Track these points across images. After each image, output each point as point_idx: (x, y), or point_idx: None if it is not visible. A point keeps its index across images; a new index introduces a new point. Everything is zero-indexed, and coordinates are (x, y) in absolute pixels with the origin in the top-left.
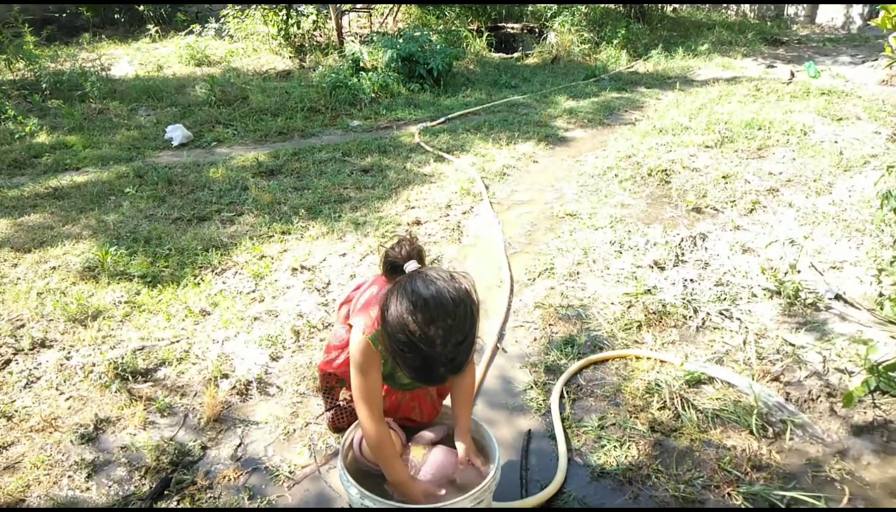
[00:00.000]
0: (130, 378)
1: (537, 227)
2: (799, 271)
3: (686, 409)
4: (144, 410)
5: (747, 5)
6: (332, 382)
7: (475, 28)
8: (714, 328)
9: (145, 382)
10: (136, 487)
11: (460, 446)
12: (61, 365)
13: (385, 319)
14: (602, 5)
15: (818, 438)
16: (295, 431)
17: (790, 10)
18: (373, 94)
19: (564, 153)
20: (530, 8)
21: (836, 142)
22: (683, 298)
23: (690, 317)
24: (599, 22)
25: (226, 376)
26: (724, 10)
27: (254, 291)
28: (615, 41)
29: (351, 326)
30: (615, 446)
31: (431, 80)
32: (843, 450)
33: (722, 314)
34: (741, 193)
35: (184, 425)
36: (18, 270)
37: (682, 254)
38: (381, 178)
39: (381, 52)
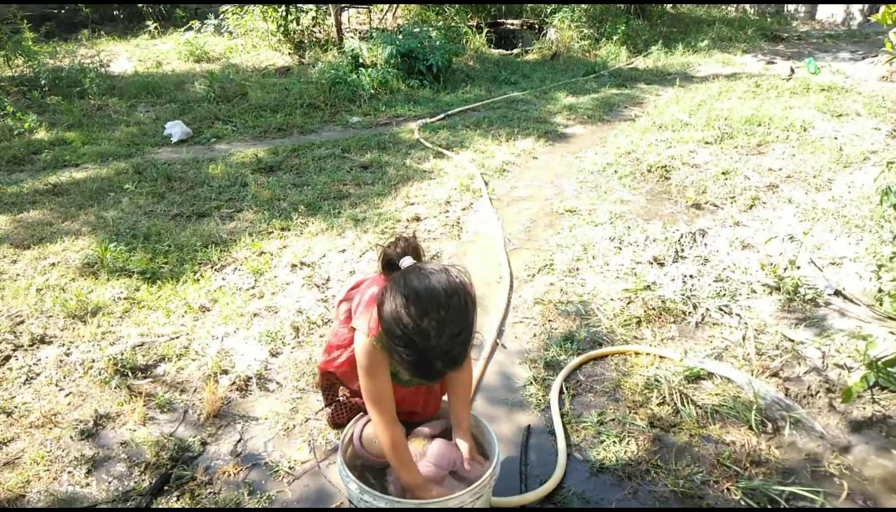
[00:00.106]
0: (130, 374)
1: (537, 223)
2: (798, 267)
3: (685, 404)
4: (144, 405)
5: (747, 2)
6: (331, 379)
7: (475, 24)
8: (713, 324)
9: (145, 377)
10: (135, 482)
11: (463, 445)
12: (61, 361)
13: (381, 315)
14: (601, 2)
15: (817, 434)
16: (294, 426)
17: (790, 6)
18: (372, 91)
19: (564, 149)
20: (530, 4)
21: (835, 138)
22: (683, 294)
23: (690, 313)
24: (599, 18)
25: (225, 372)
26: (723, 7)
27: (253, 288)
28: (615, 37)
29: (353, 328)
30: (614, 442)
31: (431, 77)
32: (842, 445)
33: (721, 310)
34: (741, 190)
35: (183, 421)
36: (18, 266)
37: (682, 250)
38: (381, 175)
39: (380, 49)
